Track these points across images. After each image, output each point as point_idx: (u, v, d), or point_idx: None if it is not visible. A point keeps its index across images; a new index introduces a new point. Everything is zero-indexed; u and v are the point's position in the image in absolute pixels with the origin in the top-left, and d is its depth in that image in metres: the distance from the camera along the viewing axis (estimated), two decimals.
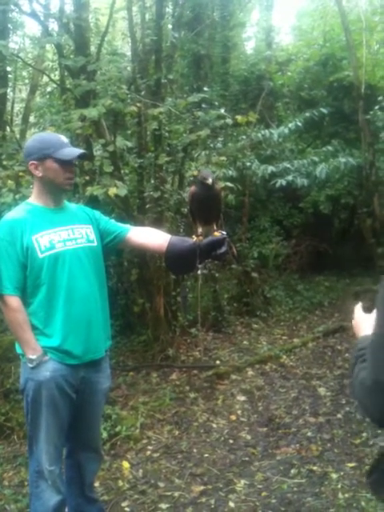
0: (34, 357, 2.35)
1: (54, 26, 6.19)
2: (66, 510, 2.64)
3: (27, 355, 2.36)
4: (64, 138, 2.49)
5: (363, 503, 3.09)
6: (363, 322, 1.68)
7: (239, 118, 5.64)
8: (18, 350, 2.47)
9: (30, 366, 2.35)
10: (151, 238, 2.66)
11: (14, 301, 2.34)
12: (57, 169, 2.40)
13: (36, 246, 2.35)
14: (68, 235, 2.45)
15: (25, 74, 9.04)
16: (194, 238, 2.52)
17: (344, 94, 9.87)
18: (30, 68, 7.97)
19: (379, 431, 3.94)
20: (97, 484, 3.34)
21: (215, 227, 2.58)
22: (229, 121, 5.50)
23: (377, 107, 8.46)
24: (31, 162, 2.40)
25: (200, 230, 2.55)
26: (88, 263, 2.49)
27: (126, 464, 3.67)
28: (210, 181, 2.43)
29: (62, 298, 2.38)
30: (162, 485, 3.44)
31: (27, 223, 2.37)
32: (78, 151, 2.49)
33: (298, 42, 13.36)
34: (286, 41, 14.88)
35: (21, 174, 4.16)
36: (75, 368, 2.44)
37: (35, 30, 9.85)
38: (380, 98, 8.45)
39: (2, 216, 2.51)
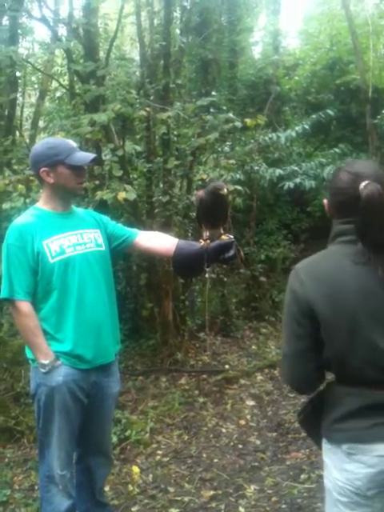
0: (46, 362, 2.35)
1: (63, 31, 6.24)
2: None
3: (39, 360, 2.35)
4: (73, 143, 2.49)
5: None
6: None
7: (248, 121, 5.64)
8: (28, 355, 2.47)
9: (43, 371, 2.35)
10: (159, 242, 2.67)
11: (26, 306, 2.35)
12: (69, 174, 2.40)
13: (47, 251, 2.35)
14: (77, 240, 2.45)
15: (34, 79, 9.07)
16: (202, 242, 2.52)
17: (351, 98, 9.86)
18: (40, 73, 8.00)
19: None
20: (107, 488, 3.34)
21: (222, 231, 2.58)
22: (238, 124, 5.51)
23: None
24: (42, 169, 2.39)
25: (207, 233, 2.55)
26: (97, 268, 2.49)
27: (135, 469, 3.67)
28: (225, 191, 2.44)
29: (73, 302, 2.39)
30: (171, 490, 3.44)
31: (37, 228, 2.37)
32: (91, 156, 2.49)
33: (304, 46, 13.36)
34: (293, 45, 14.87)
35: (31, 178, 4.18)
36: (86, 372, 2.44)
37: (44, 35, 9.92)
38: None
39: (12, 220, 2.51)
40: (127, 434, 4.02)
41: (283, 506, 3.18)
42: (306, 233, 9.48)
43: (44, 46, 8.11)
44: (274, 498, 3.28)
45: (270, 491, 3.37)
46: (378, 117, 8.50)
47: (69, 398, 2.40)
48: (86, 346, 2.42)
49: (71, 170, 2.40)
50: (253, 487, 3.43)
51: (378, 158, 8.65)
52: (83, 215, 2.61)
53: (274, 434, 4.20)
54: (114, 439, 3.78)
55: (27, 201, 3.98)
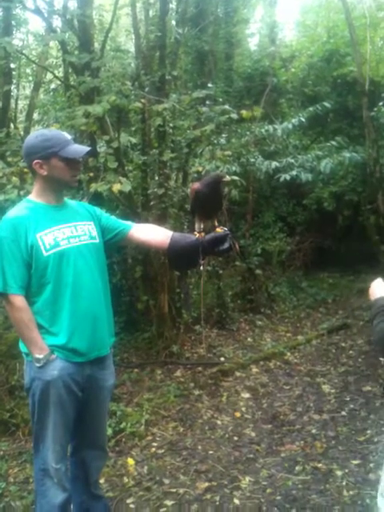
0: (41, 356, 2.33)
1: (57, 22, 6.21)
2: (72, 507, 2.64)
3: (34, 354, 2.34)
4: (67, 135, 2.45)
5: (368, 501, 3.08)
6: (379, 287, 2.15)
7: (244, 112, 5.62)
8: (22, 349, 2.45)
9: (38, 365, 2.34)
10: (153, 234, 2.65)
11: (20, 300, 2.33)
12: (63, 167, 2.38)
13: (41, 244, 2.33)
14: (71, 232, 2.43)
15: (29, 70, 9.01)
16: (197, 235, 2.51)
17: (348, 91, 9.85)
18: (34, 65, 7.94)
19: (383, 429, 3.95)
20: (102, 481, 3.34)
21: (217, 223, 2.57)
22: (234, 115, 5.49)
23: (381, 103, 8.43)
24: (36, 161, 2.36)
25: (201, 226, 2.55)
26: (92, 260, 2.48)
27: (130, 461, 3.67)
28: (227, 178, 2.45)
29: (67, 295, 2.37)
30: (166, 481, 3.45)
31: (30, 221, 2.35)
32: (85, 149, 2.46)
33: (301, 38, 13.33)
34: (290, 37, 14.83)
35: (25, 170, 4.16)
36: (81, 366, 2.43)
37: (39, 26, 9.84)
38: None
39: (5, 213, 2.48)
40: (122, 426, 4.03)
41: (278, 498, 3.20)
42: (301, 226, 9.50)
43: (38, 37, 8.06)
44: (268, 490, 3.30)
45: (264, 483, 3.39)
46: (375, 109, 8.49)
47: (64, 392, 2.39)
48: (81, 339, 2.40)
49: (65, 163, 2.37)
50: (248, 479, 3.44)
51: (374, 151, 8.65)
52: (77, 207, 2.58)
53: (269, 426, 4.21)
54: (109, 431, 3.78)
55: (21, 193, 3.96)
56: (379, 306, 2.02)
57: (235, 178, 5.60)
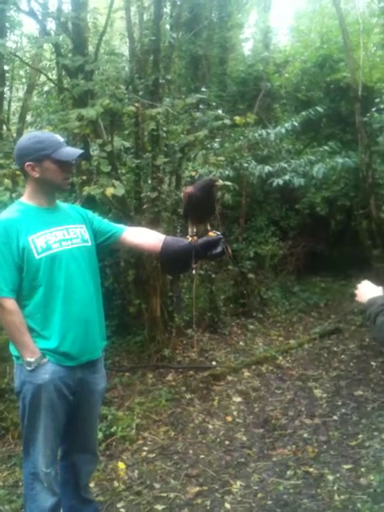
0: (32, 360, 2.32)
1: (51, 25, 6.20)
2: (61, 511, 2.62)
3: (25, 358, 2.33)
4: (60, 138, 2.44)
5: (359, 505, 3.09)
6: (369, 288, 2.19)
7: (237, 118, 5.63)
8: (13, 352, 2.43)
9: (29, 368, 2.32)
10: (146, 238, 2.65)
11: (11, 303, 2.31)
12: (55, 169, 2.37)
13: (32, 246, 2.32)
14: (63, 235, 2.42)
15: (22, 73, 8.99)
16: (189, 239, 2.51)
17: (341, 96, 9.89)
18: (28, 67, 7.93)
19: (375, 433, 3.96)
20: (92, 485, 3.33)
21: (210, 227, 2.57)
22: (227, 122, 5.50)
23: (374, 109, 8.47)
24: (28, 163, 2.35)
25: (194, 229, 2.55)
26: (84, 263, 2.47)
27: (121, 465, 3.66)
28: (220, 182, 2.46)
29: (59, 299, 2.36)
30: (157, 486, 3.44)
31: (22, 224, 2.34)
32: (78, 152, 2.46)
33: (295, 44, 13.37)
34: (284, 42, 14.88)
35: (17, 172, 4.14)
36: (73, 370, 2.42)
37: (33, 28, 9.83)
38: (377, 100, 8.46)
39: None
40: (113, 430, 4.01)
41: (269, 502, 3.19)
42: (294, 230, 9.52)
43: (32, 39, 8.02)
44: (259, 494, 3.29)
45: (256, 487, 3.39)
46: (368, 115, 8.53)
47: (55, 396, 2.38)
48: (72, 342, 2.39)
49: (58, 165, 2.37)
50: (239, 483, 3.44)
51: (367, 156, 8.68)
52: (68, 210, 2.58)
53: (261, 431, 4.21)
54: (100, 435, 3.77)
55: (13, 195, 3.95)
56: (380, 304, 2.05)
57: (228, 183, 5.61)
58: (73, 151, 2.44)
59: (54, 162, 2.36)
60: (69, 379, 2.42)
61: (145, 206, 5.75)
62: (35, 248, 2.33)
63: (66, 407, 2.45)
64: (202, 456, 3.82)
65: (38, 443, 2.41)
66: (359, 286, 2.26)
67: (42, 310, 2.36)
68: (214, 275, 6.95)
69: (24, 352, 2.33)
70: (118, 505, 3.22)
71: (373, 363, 5.63)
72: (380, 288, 2.19)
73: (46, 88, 8.92)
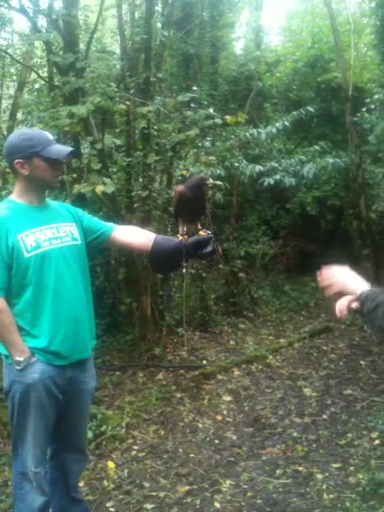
0: (21, 359, 2.31)
1: (43, 22, 6.15)
2: (50, 510, 2.61)
3: (14, 357, 2.31)
4: (49, 135, 2.43)
5: (348, 504, 3.10)
6: (352, 278, 1.84)
7: (228, 118, 5.63)
8: (2, 351, 2.41)
9: (18, 368, 2.31)
10: (136, 236, 2.64)
11: (0, 302, 2.31)
12: (44, 167, 2.35)
13: (22, 245, 2.30)
14: (53, 234, 2.41)
15: (13, 70, 8.93)
16: (180, 238, 2.51)
17: (332, 96, 9.93)
18: (19, 64, 7.88)
19: (364, 432, 3.98)
20: (81, 484, 3.32)
21: (200, 226, 2.57)
22: (218, 121, 5.50)
23: (364, 109, 8.52)
24: (17, 161, 2.33)
25: (184, 228, 2.54)
26: (73, 262, 2.46)
27: (111, 464, 3.65)
28: (210, 180, 2.45)
29: (49, 298, 2.34)
30: (147, 485, 3.43)
31: (11, 222, 2.32)
32: (68, 149, 2.44)
33: (287, 43, 13.41)
34: (275, 41, 14.93)
35: (7, 170, 4.12)
36: (62, 369, 2.41)
37: (24, 26, 9.78)
38: (367, 100, 8.50)
39: None
40: (103, 429, 4.00)
41: (258, 501, 3.20)
42: (285, 229, 9.55)
43: (23, 36, 7.99)
44: (249, 493, 3.30)
45: (245, 486, 3.39)
46: (358, 115, 8.57)
47: (44, 395, 2.37)
48: (62, 341, 2.38)
49: (47, 163, 2.35)
50: (228, 482, 3.44)
51: (357, 156, 8.73)
52: (58, 208, 2.56)
53: (251, 430, 4.22)
54: (90, 434, 3.75)
55: (3, 193, 3.92)
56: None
57: (219, 182, 5.62)
58: (62, 149, 2.42)
59: (43, 159, 2.34)
60: (58, 378, 2.40)
61: (136, 205, 5.73)
62: (25, 246, 2.31)
63: (55, 406, 2.43)
64: (191, 455, 3.82)
65: (27, 443, 2.39)
66: (333, 271, 1.88)
67: (32, 308, 2.35)
68: (204, 274, 6.96)
69: (13, 351, 2.31)
70: (108, 504, 3.22)
71: (362, 362, 5.66)
72: (363, 281, 1.86)
73: (36, 85, 8.86)
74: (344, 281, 1.85)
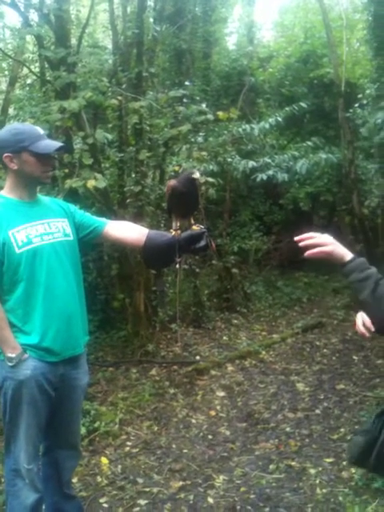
0: (13, 355, 2.29)
1: (34, 16, 6.09)
2: (43, 507, 2.61)
3: (6, 354, 2.29)
4: (40, 130, 2.41)
5: (341, 498, 3.11)
6: (341, 245, 1.82)
7: (220, 114, 5.61)
8: None
9: (10, 364, 2.29)
10: (129, 232, 2.62)
11: None
12: (34, 162, 2.33)
13: (13, 241, 2.29)
14: (45, 229, 2.39)
15: (4, 65, 8.87)
16: (173, 233, 2.50)
17: (324, 92, 9.94)
18: (10, 59, 7.82)
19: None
20: (75, 480, 3.31)
21: (193, 221, 2.56)
22: (210, 117, 5.49)
23: (356, 105, 8.53)
24: (6, 155, 2.31)
25: (177, 224, 2.53)
26: (65, 258, 2.44)
27: (104, 460, 3.65)
28: (197, 175, 2.43)
29: (40, 294, 2.33)
30: (140, 481, 3.43)
31: (2, 217, 2.30)
32: (57, 145, 2.41)
33: (279, 39, 13.40)
34: (268, 37, 14.90)
35: None
36: (55, 365, 2.39)
37: (15, 20, 9.70)
38: (360, 96, 8.51)
39: None
40: (96, 425, 3.99)
41: (252, 496, 3.21)
42: (278, 225, 9.56)
43: (14, 31, 7.93)
44: (242, 489, 3.30)
45: (238, 481, 3.40)
46: (350, 111, 8.58)
47: (37, 392, 2.35)
48: (54, 338, 2.36)
49: (36, 158, 2.33)
50: (222, 477, 3.44)
51: (349, 152, 8.74)
52: (50, 204, 2.54)
53: (244, 425, 4.23)
54: (83, 431, 3.75)
55: None
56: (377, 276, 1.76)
57: (210, 179, 5.61)
58: (51, 144, 2.40)
59: (32, 154, 2.32)
60: (51, 375, 2.39)
61: (128, 200, 5.71)
62: (16, 242, 2.29)
63: (47, 403, 2.42)
64: (185, 450, 3.82)
65: (20, 439, 2.38)
66: (324, 237, 1.84)
67: (23, 305, 2.33)
68: (198, 270, 6.95)
69: (5, 348, 2.30)
70: (101, 500, 3.21)
71: (355, 357, 5.68)
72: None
73: (28, 80, 8.82)
74: (333, 243, 1.82)
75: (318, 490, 3.22)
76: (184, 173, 2.61)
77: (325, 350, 5.98)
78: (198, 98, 7.44)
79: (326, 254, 1.79)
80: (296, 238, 1.81)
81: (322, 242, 1.80)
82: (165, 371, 5.28)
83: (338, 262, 1.79)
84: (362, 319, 1.96)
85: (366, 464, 1.89)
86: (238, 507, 3.10)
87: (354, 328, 6.05)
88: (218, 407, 4.56)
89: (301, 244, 1.80)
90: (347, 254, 1.80)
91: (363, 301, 1.72)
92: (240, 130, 7.68)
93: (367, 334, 1.95)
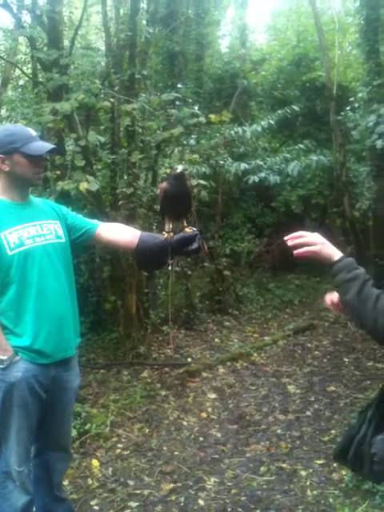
0: (4, 357, 2.29)
1: (26, 18, 6.10)
2: (34, 509, 2.60)
3: None
4: (32, 131, 2.41)
5: (331, 500, 3.13)
6: (330, 244, 1.81)
7: (213, 116, 5.63)
8: None
9: (1, 366, 2.29)
10: (121, 234, 2.63)
11: None
12: (25, 164, 2.33)
13: (5, 242, 2.28)
14: (36, 231, 2.39)
15: None
16: (165, 235, 2.51)
17: (316, 95, 9.99)
18: (2, 60, 7.81)
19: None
20: (66, 482, 3.31)
21: (186, 224, 2.57)
22: (202, 119, 5.50)
23: (348, 108, 8.57)
24: None
25: (170, 226, 2.54)
26: (57, 260, 2.44)
27: (95, 462, 3.64)
28: (179, 169, 2.45)
29: (32, 296, 2.33)
30: (131, 483, 3.43)
31: None
32: (48, 146, 2.41)
33: (272, 42, 13.44)
34: (261, 40, 14.92)
35: None
36: (46, 367, 2.39)
37: (8, 22, 9.68)
38: (351, 99, 8.55)
39: None
40: (87, 427, 3.99)
41: (243, 498, 3.21)
42: (270, 227, 9.58)
43: (7, 32, 7.91)
44: (233, 491, 3.31)
45: (229, 483, 3.40)
46: (342, 114, 8.62)
47: (28, 394, 2.35)
48: (46, 340, 2.36)
49: (27, 159, 2.33)
50: (213, 480, 3.45)
51: (341, 155, 8.78)
52: (42, 206, 2.54)
53: (235, 427, 4.23)
54: (74, 433, 3.74)
55: None
56: (363, 273, 1.74)
57: (202, 181, 5.63)
58: (43, 146, 2.40)
59: (24, 155, 2.32)
60: (42, 377, 2.39)
61: (120, 203, 5.71)
62: (8, 244, 2.29)
63: (38, 405, 2.42)
64: (176, 453, 3.82)
65: (11, 442, 2.38)
66: (313, 236, 1.82)
67: (15, 307, 2.32)
68: (190, 272, 6.96)
69: None
70: (92, 502, 3.21)
71: (345, 359, 5.70)
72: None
73: (20, 82, 8.80)
74: (321, 243, 1.81)
75: (309, 492, 3.24)
76: (171, 173, 2.62)
77: (316, 352, 6.00)
78: (190, 101, 7.46)
79: (313, 253, 1.79)
80: (286, 238, 1.82)
81: (310, 241, 1.80)
82: (156, 373, 5.28)
83: (326, 261, 1.79)
84: (331, 297, 1.93)
85: (346, 461, 1.88)
86: (229, 509, 3.11)
87: (344, 330, 6.04)
88: (210, 409, 4.57)
89: (290, 243, 1.81)
90: (336, 254, 1.79)
91: (348, 302, 1.71)
92: (232, 132, 7.72)
93: (335, 311, 1.95)
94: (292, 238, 1.82)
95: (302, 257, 1.80)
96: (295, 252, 1.80)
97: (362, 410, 1.89)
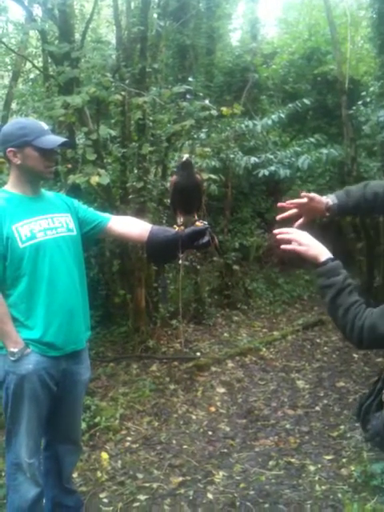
0: (15, 350, 2.30)
1: (38, 11, 6.08)
2: (44, 501, 2.62)
3: (9, 348, 2.30)
4: (44, 125, 2.41)
5: (340, 495, 3.13)
6: (318, 246, 1.82)
7: (224, 109, 5.60)
8: None
9: (12, 359, 2.30)
10: (132, 227, 2.63)
11: None
12: (37, 157, 2.33)
13: (16, 235, 2.29)
14: (48, 224, 2.39)
15: (8, 60, 8.87)
16: (176, 228, 2.51)
17: (328, 89, 9.91)
18: (13, 54, 7.81)
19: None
20: (75, 475, 3.33)
21: (196, 217, 2.56)
22: (214, 112, 5.48)
23: (360, 102, 8.48)
24: (9, 149, 2.32)
25: (181, 219, 2.54)
26: (68, 253, 2.45)
27: (104, 455, 3.66)
28: (184, 158, 2.44)
29: (43, 288, 2.33)
30: (140, 476, 3.44)
31: (6, 212, 2.30)
32: (60, 140, 2.41)
33: (283, 35, 13.37)
34: (272, 33, 14.85)
35: (1, 160, 4.08)
36: (57, 360, 2.40)
37: (19, 15, 9.69)
38: (363, 93, 8.48)
39: None
40: (97, 420, 4.00)
41: (251, 493, 3.22)
42: (279, 222, 9.53)
43: (18, 26, 7.92)
44: (242, 485, 3.32)
45: (238, 478, 3.41)
46: (354, 108, 8.54)
47: (38, 386, 2.36)
48: (57, 333, 2.37)
49: (39, 153, 2.33)
50: (221, 473, 3.46)
51: (352, 150, 8.71)
52: (53, 199, 2.54)
53: (244, 421, 4.24)
54: (84, 426, 3.76)
55: None
56: (344, 278, 1.75)
57: (212, 176, 5.61)
58: (55, 139, 2.40)
59: (36, 149, 2.32)
60: (53, 370, 2.40)
61: (130, 196, 5.71)
62: (19, 237, 2.30)
63: (49, 398, 2.43)
64: (185, 446, 3.84)
65: (21, 434, 2.39)
66: (300, 234, 1.85)
67: (26, 299, 2.34)
68: (199, 266, 6.95)
69: (7, 342, 2.31)
70: (101, 495, 3.23)
71: (355, 355, 5.68)
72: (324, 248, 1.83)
73: (31, 75, 8.80)
74: (307, 244, 1.82)
75: (317, 487, 3.24)
76: (177, 163, 2.63)
77: (325, 348, 5.99)
78: (201, 94, 7.41)
79: (297, 252, 1.83)
80: (275, 231, 1.84)
81: (297, 238, 1.83)
82: (165, 367, 5.29)
83: (312, 262, 1.82)
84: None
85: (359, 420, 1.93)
86: (238, 503, 3.12)
87: None
88: (218, 403, 4.58)
89: (277, 237, 1.86)
90: (322, 256, 1.81)
91: (325, 305, 1.81)
92: (243, 126, 7.67)
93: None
94: (280, 233, 1.87)
95: (287, 252, 1.84)
96: (282, 246, 1.85)
97: (377, 379, 1.91)
